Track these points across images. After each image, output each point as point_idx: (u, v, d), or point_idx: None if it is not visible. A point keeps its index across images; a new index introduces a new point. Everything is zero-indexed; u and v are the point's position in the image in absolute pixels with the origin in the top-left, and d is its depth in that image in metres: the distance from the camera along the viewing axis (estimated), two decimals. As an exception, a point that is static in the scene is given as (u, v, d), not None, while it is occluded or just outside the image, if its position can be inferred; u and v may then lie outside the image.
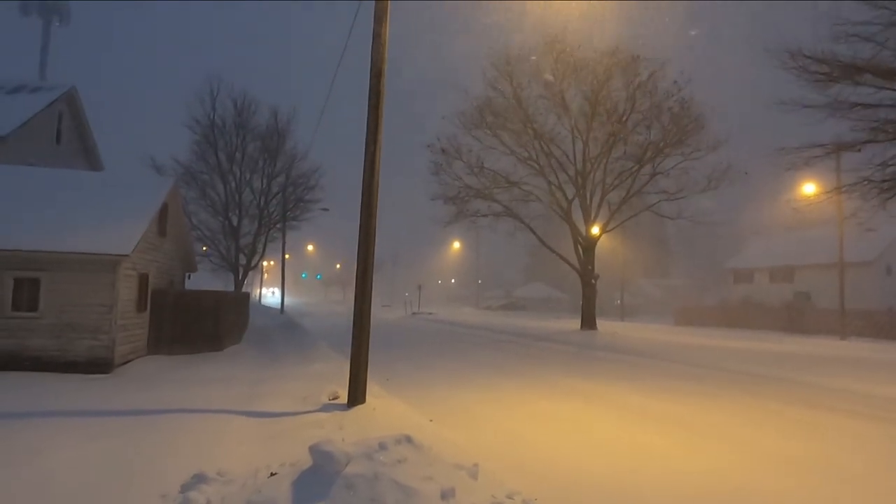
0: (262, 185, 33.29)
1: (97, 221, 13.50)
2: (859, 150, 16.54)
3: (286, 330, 26.15)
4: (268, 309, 48.38)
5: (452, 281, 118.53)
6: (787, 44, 16.29)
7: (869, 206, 16.81)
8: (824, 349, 21.98)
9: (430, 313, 56.95)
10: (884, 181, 15.80)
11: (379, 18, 8.86)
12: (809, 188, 24.92)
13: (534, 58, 28.48)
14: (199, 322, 16.57)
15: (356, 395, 8.60)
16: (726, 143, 27.73)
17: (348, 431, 6.86)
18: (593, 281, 30.15)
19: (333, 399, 9.05)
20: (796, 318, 36.98)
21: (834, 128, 17.05)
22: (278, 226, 35.81)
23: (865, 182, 16.20)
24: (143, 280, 14.95)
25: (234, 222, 32.43)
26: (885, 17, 14.71)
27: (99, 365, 12.50)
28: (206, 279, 33.63)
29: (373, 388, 9.26)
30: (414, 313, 57.13)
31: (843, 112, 15.95)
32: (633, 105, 28.27)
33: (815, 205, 21.40)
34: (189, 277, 22.61)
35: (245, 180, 32.71)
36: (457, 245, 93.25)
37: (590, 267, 30.17)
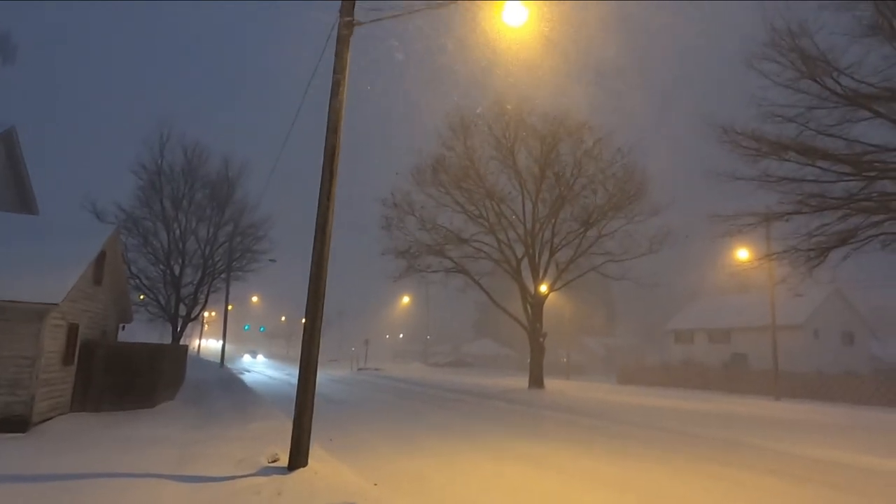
0: (208, 234, 32.46)
1: (27, 267, 12.73)
2: (787, 221, 17.65)
3: (225, 385, 24.96)
4: (207, 363, 46.28)
5: (401, 336, 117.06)
6: (721, 120, 17.55)
7: (797, 273, 17.82)
8: (760, 410, 22.66)
9: (377, 369, 55.79)
10: (810, 250, 16.85)
11: (336, 84, 9.01)
12: (743, 254, 26.30)
13: (486, 125, 29.49)
14: (130, 377, 15.61)
15: (298, 457, 8.21)
16: (667, 209, 29.27)
17: (288, 498, 6.50)
18: (541, 339, 30.41)
19: (273, 462, 8.61)
20: (734, 378, 38.20)
21: (764, 199, 18.26)
22: (223, 276, 34.77)
23: (793, 251, 17.22)
24: (73, 331, 14.07)
25: (176, 271, 31.30)
26: (805, 101, 16.11)
27: (14, 423, 11.49)
28: (141, 330, 32.02)
29: (315, 450, 8.87)
30: (360, 369, 55.82)
31: (771, 185, 17.11)
32: (579, 170, 29.52)
33: (749, 270, 22.56)
34: (123, 328, 21.48)
35: (190, 228, 31.84)
36: (406, 300, 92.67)
37: (538, 325, 30.48)
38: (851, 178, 16.14)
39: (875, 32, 14.97)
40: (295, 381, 8.80)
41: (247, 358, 77.87)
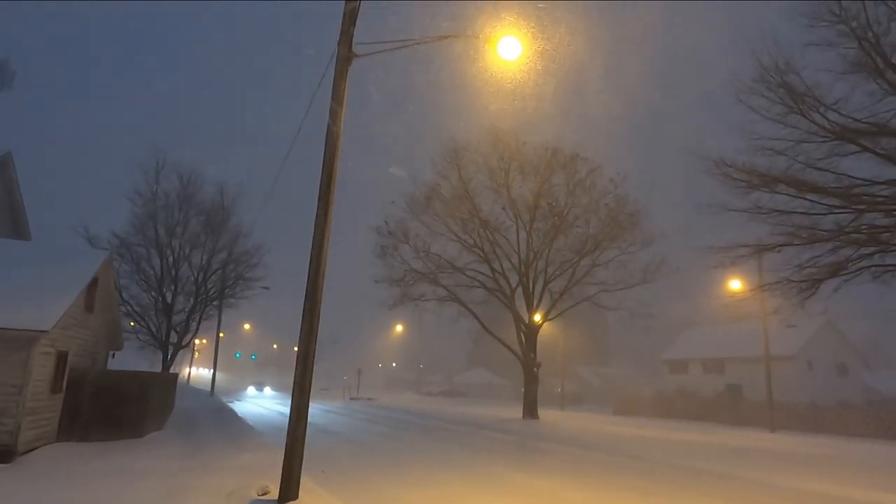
0: (201, 261, 32.29)
1: (17, 293, 12.64)
2: (779, 252, 17.78)
3: (214, 415, 24.58)
4: (197, 391, 45.63)
5: (394, 364, 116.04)
6: (712, 153, 17.81)
7: (790, 304, 17.88)
8: (755, 441, 22.49)
9: (370, 398, 55.13)
10: (801, 282, 16.94)
11: (334, 114, 9.12)
12: (736, 284, 26.41)
13: (480, 155, 29.82)
14: (119, 406, 15.37)
15: (288, 490, 8.05)
16: (660, 239, 29.47)
17: (278, 533, 6.34)
18: (535, 369, 30.20)
19: (263, 494, 8.45)
20: (729, 409, 37.93)
21: (757, 230, 18.42)
22: (215, 303, 34.52)
23: (785, 282, 17.31)
24: (62, 358, 13.89)
25: (169, 298, 31.05)
26: (794, 135, 16.41)
27: (-1, 453, 11.26)
28: (131, 357, 31.62)
29: (306, 483, 8.71)
30: (352, 398, 55.18)
31: (762, 217, 17.28)
32: (573, 200, 29.77)
33: (743, 300, 22.63)
34: (113, 356, 21.24)
35: (184, 255, 31.70)
36: (399, 328, 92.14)
37: (532, 354, 30.31)
38: (841, 210, 16.33)
39: (860, 70, 15.35)
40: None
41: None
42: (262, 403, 40.87)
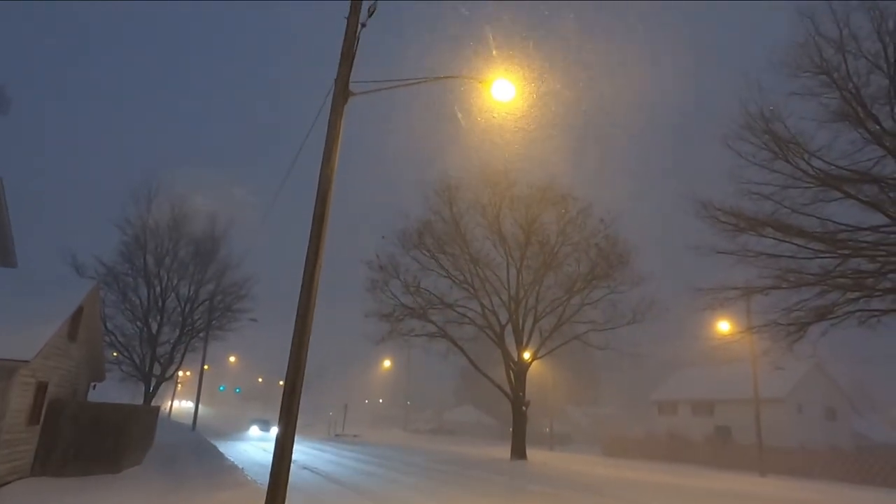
0: (189, 292, 32.06)
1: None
2: (766, 295, 17.92)
3: (195, 450, 23.97)
4: (179, 425, 44.59)
5: (380, 400, 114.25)
6: (700, 195, 18.11)
7: (778, 346, 17.92)
8: (744, 486, 22.22)
9: (355, 435, 54.09)
10: (789, 325, 17.03)
11: (328, 152, 9.19)
12: (724, 326, 26.45)
13: (472, 192, 30.17)
14: (97, 439, 14.97)
15: (269, 532, 7.80)
16: (649, 280, 29.61)
17: (257, 578, 6.10)
18: (524, 408, 29.85)
19: (243, 536, 8.13)
20: (719, 452, 37.54)
21: (746, 272, 18.59)
22: (201, 335, 34.10)
23: (774, 325, 17.40)
24: (41, 389, 13.58)
25: (154, 329, 30.65)
26: (780, 181, 16.76)
27: (-31, 488, 10.89)
28: (113, 389, 30.97)
29: (288, 524, 8.45)
30: (337, 435, 54.15)
31: (750, 260, 17.48)
32: (563, 238, 30.00)
33: (732, 342, 22.67)
34: (94, 387, 20.81)
35: (172, 285, 31.47)
36: (387, 363, 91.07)
37: (521, 393, 30.01)
38: (827, 255, 16.57)
39: (842, 119, 15.81)
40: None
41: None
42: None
